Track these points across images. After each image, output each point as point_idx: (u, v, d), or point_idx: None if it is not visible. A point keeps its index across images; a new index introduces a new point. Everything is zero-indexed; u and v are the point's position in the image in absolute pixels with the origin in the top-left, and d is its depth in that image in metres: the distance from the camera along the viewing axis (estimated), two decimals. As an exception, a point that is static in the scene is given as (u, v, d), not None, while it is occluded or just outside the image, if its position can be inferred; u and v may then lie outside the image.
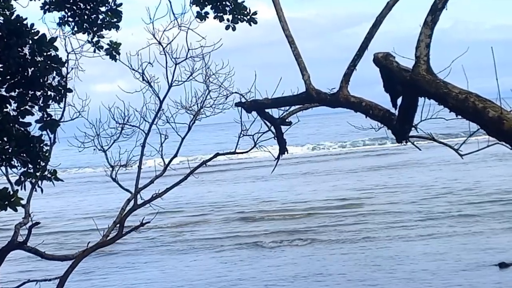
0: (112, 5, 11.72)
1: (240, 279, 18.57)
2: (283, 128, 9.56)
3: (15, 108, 9.25)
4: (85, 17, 11.64)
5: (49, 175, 10.35)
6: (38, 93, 9.38)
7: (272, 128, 9.86)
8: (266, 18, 12.51)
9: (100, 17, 11.72)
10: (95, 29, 11.74)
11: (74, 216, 34.02)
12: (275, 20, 8.19)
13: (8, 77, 9.02)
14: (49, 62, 9.26)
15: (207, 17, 12.09)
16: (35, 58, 9.19)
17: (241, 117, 10.40)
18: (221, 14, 12.17)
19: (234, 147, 11.62)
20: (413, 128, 7.26)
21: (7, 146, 9.01)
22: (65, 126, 10.66)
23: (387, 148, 58.11)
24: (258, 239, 23.81)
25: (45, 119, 9.50)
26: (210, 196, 36.71)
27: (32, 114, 9.35)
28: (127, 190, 11.49)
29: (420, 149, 8.86)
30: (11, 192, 8.08)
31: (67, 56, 10.84)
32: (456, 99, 6.07)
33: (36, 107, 9.41)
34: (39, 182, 10.28)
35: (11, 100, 9.19)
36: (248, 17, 12.19)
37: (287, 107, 9.08)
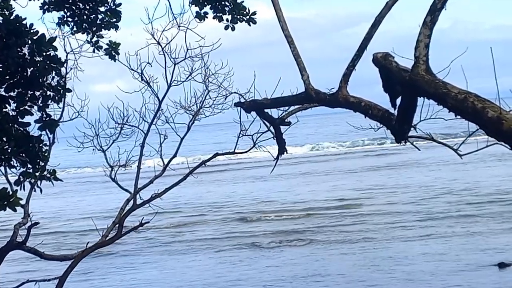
0: (112, 5, 11.72)
1: (239, 279, 18.57)
2: (282, 128, 9.55)
3: (14, 108, 9.24)
4: (84, 17, 11.63)
5: (48, 175, 10.34)
6: (37, 93, 9.37)
7: (271, 128, 9.85)
8: (265, 18, 12.50)
9: (99, 17, 11.71)
10: (94, 29, 11.73)
11: (73, 216, 34.01)
12: (274, 20, 8.18)
13: (7, 77, 9.01)
14: (48, 62, 9.25)
15: (206, 17, 12.08)
16: (34, 58, 9.18)
17: (240, 117, 10.41)
18: (220, 14, 12.16)
19: (233, 147, 11.62)
20: (412, 128, 7.25)
21: (6, 146, 9.00)
22: (64, 126, 10.67)
23: (386, 148, 58.14)
24: (257, 239, 23.82)
25: (44, 119, 9.49)
26: (209, 196, 36.72)
27: (31, 114, 9.34)
28: (126, 190, 11.48)
29: (419, 149, 8.86)
30: (10, 192, 8.06)
31: (66, 56, 10.85)
32: (455, 99, 6.06)
33: (35, 107, 9.40)
34: (38, 182, 10.28)
35: (10, 100, 9.18)
36: (247, 17, 12.18)
37: (286, 107, 9.07)
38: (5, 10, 9.69)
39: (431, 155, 42.17)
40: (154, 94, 11.43)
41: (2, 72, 8.98)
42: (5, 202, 7.88)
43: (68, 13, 11.61)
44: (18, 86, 9.14)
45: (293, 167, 47.98)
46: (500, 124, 5.75)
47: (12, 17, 9.19)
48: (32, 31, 9.11)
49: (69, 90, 10.08)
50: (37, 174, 10.02)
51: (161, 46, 11.18)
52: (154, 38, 11.12)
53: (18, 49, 8.99)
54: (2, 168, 9.87)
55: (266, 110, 9.19)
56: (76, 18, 11.64)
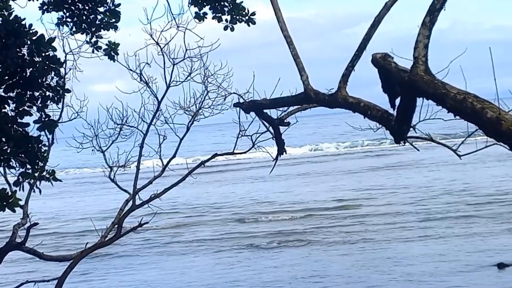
0: (111, 5, 11.72)
1: (238, 280, 18.56)
2: (282, 128, 9.55)
3: (13, 109, 9.23)
4: (84, 17, 11.63)
5: (47, 176, 10.34)
6: (37, 94, 9.36)
7: (271, 128, 9.86)
8: (264, 18, 12.49)
9: (99, 17, 11.71)
10: (93, 29, 11.73)
11: (72, 216, 33.98)
12: (274, 20, 8.18)
13: (7, 77, 9.00)
14: (47, 62, 9.24)
15: (206, 18, 12.08)
16: (34, 58, 9.17)
17: (239, 118, 10.42)
18: (220, 14, 12.16)
19: (233, 147, 11.62)
20: (411, 129, 7.25)
21: (6, 147, 8.98)
22: (64, 127, 10.67)
23: (386, 149, 58.12)
24: (256, 240, 23.81)
25: (43, 119, 9.48)
26: (208, 196, 36.70)
27: (31, 115, 9.33)
28: (126, 191, 11.49)
29: (418, 150, 8.87)
30: (10, 193, 8.06)
31: (65, 56, 10.85)
32: (455, 99, 6.07)
33: (35, 108, 9.39)
34: (38, 183, 10.27)
35: (9, 101, 9.17)
36: (247, 17, 12.18)
37: (286, 108, 9.08)
38: (4, 10, 9.69)
39: (430, 156, 42.17)
40: (153, 95, 11.44)
41: (1, 72, 8.97)
42: (4, 203, 7.88)
43: (67, 14, 11.61)
44: (17, 87, 9.13)
45: (292, 167, 47.96)
46: (499, 125, 5.75)
47: (11, 18, 9.18)
48: (31, 31, 9.10)
49: (68, 91, 10.08)
50: (36, 174, 10.02)
51: (160, 46, 11.19)
52: (153, 39, 11.13)
53: (17, 49, 8.98)
54: (1, 169, 9.88)
55: (265, 111, 9.20)
56: (75, 19, 11.64)
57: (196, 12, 12.02)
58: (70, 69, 10.82)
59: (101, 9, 11.71)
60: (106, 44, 11.99)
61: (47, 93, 9.52)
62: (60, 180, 10.71)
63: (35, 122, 9.49)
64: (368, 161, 50.77)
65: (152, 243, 25.02)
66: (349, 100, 7.41)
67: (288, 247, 22.44)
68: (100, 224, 15.92)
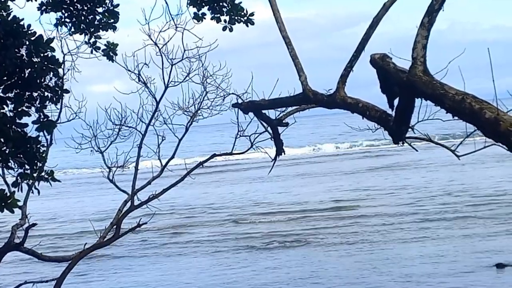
0: (109, 6, 11.71)
1: (236, 281, 18.56)
2: (280, 129, 9.56)
3: (12, 109, 9.24)
4: (82, 18, 11.62)
5: (46, 176, 10.34)
6: (35, 94, 9.37)
7: (269, 129, 9.87)
8: (263, 18, 12.52)
9: (97, 18, 11.70)
10: (92, 30, 11.72)
11: (71, 217, 33.96)
12: (272, 20, 8.18)
13: (5, 78, 9.01)
14: (46, 63, 9.25)
15: (204, 18, 12.08)
16: (32, 59, 9.17)
17: (238, 118, 10.42)
18: (218, 15, 12.15)
19: (231, 148, 11.62)
20: (410, 129, 7.26)
21: (4, 147, 8.98)
22: (62, 127, 10.66)
23: (384, 149, 58.14)
24: (254, 241, 23.80)
25: (42, 120, 9.49)
26: (206, 197, 36.69)
27: (29, 115, 9.34)
28: (124, 191, 11.48)
29: (417, 150, 8.87)
30: (8, 194, 8.06)
31: (64, 57, 10.84)
32: (453, 100, 6.07)
33: (33, 108, 9.40)
34: (36, 184, 10.27)
35: (8, 101, 9.18)
36: (245, 18, 12.17)
37: (284, 108, 9.08)
38: (2, 11, 9.69)
39: (428, 156, 42.19)
40: (152, 95, 11.44)
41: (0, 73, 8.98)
42: (3, 204, 7.88)
43: (66, 14, 11.60)
44: (15, 87, 9.14)
45: (290, 168, 47.99)
46: (497, 125, 5.75)
47: (9, 18, 9.19)
48: (29, 32, 9.11)
49: (67, 91, 10.08)
50: (34, 175, 10.02)
51: (158, 47, 11.19)
52: (151, 39, 11.13)
53: (16, 50, 8.99)
54: (0, 170, 9.87)
55: (263, 111, 9.20)
56: (73, 19, 11.63)
57: (194, 13, 12.02)
58: (68, 69, 10.82)
59: (100, 10, 11.70)
60: (105, 45, 11.98)
61: (46, 93, 9.52)
62: (58, 181, 10.71)
63: (33, 122, 9.50)
64: (366, 161, 50.79)
65: (150, 243, 25.01)
66: (348, 100, 7.41)
67: (286, 247, 22.44)
68: (99, 224, 15.89)
